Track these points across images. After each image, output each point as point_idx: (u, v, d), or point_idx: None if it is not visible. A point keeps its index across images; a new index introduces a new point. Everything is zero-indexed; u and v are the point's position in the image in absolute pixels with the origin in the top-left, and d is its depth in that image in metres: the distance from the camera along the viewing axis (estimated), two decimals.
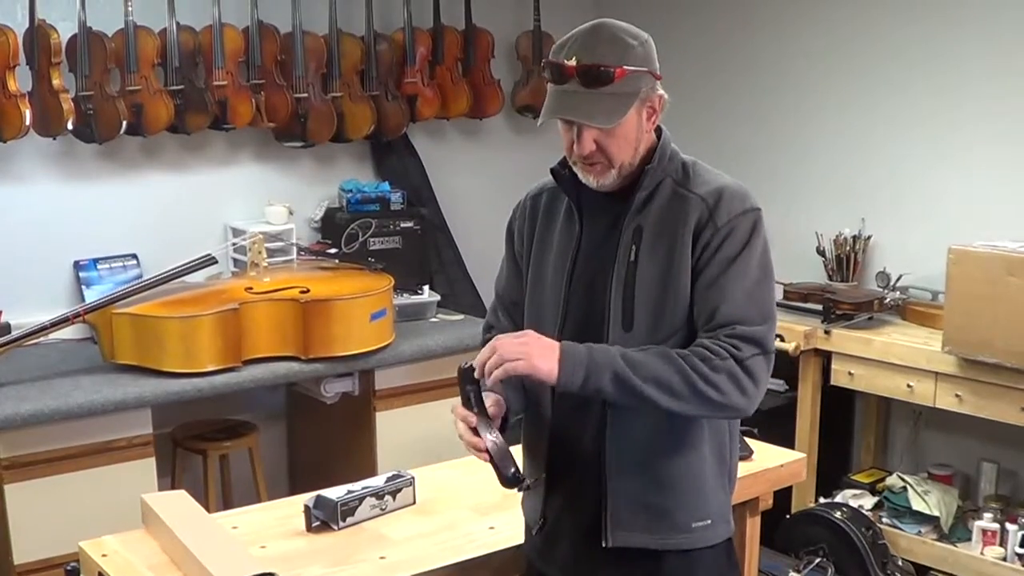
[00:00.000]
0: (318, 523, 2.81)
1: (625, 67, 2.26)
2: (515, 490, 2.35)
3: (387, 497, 2.89)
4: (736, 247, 2.30)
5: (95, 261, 4.65)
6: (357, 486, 2.88)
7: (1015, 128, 4.44)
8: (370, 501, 2.86)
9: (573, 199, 2.44)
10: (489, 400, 2.35)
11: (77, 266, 4.62)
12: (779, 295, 4.74)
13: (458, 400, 2.33)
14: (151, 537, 2.79)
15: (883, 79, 4.86)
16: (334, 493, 2.83)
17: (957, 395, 4.16)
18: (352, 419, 4.66)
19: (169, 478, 4.55)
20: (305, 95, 4.83)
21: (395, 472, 2.98)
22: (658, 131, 2.41)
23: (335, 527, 2.79)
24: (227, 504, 4.69)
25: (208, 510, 4.32)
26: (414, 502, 2.95)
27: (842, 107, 5.01)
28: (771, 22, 5.25)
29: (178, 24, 4.53)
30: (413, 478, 2.96)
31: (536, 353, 2.20)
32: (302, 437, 5.18)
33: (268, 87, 4.77)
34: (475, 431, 2.30)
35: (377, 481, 2.92)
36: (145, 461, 4.02)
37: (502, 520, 2.83)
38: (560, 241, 2.47)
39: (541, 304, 2.48)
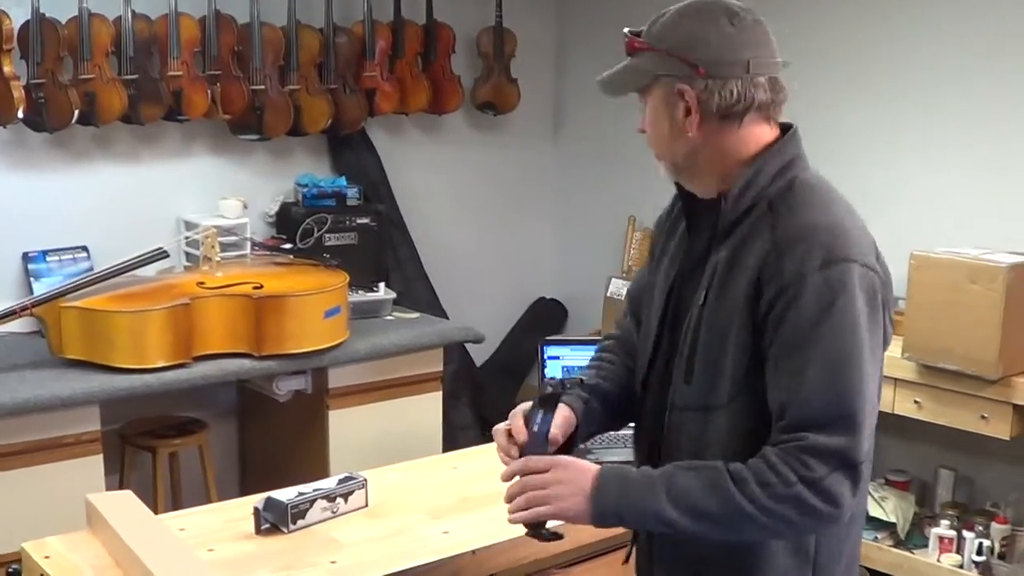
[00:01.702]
0: (268, 526, 2.73)
1: (639, 41, 2.01)
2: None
3: (339, 500, 2.82)
4: (809, 314, 1.83)
5: (44, 253, 4.56)
6: (308, 488, 2.81)
7: (979, 132, 4.44)
8: (321, 504, 2.79)
9: (684, 205, 2.14)
10: (558, 416, 2.10)
11: (26, 258, 4.53)
12: None
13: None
14: (95, 538, 2.71)
15: (843, 80, 4.84)
16: (284, 495, 2.76)
17: (916, 401, 4.14)
18: (305, 417, 4.59)
19: (117, 476, 4.47)
20: (262, 87, 4.76)
21: (347, 474, 2.91)
22: (783, 135, 2.05)
23: (285, 530, 2.72)
24: (176, 503, 4.63)
25: (156, 509, 4.32)
26: (366, 505, 2.87)
27: (800, 107, 4.97)
28: None
29: (133, 12, 4.45)
30: (365, 480, 2.89)
31: (564, 495, 1.93)
32: (254, 435, 5.10)
33: (224, 78, 4.69)
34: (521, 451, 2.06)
35: (329, 483, 2.85)
36: (93, 458, 3.95)
37: (456, 524, 2.77)
38: (671, 256, 2.16)
39: (647, 325, 2.19)
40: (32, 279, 4.50)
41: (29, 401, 3.74)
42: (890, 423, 4.57)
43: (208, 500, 4.39)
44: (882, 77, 4.71)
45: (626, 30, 2.05)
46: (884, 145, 4.72)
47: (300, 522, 2.74)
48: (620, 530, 2.23)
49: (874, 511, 4.40)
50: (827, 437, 1.82)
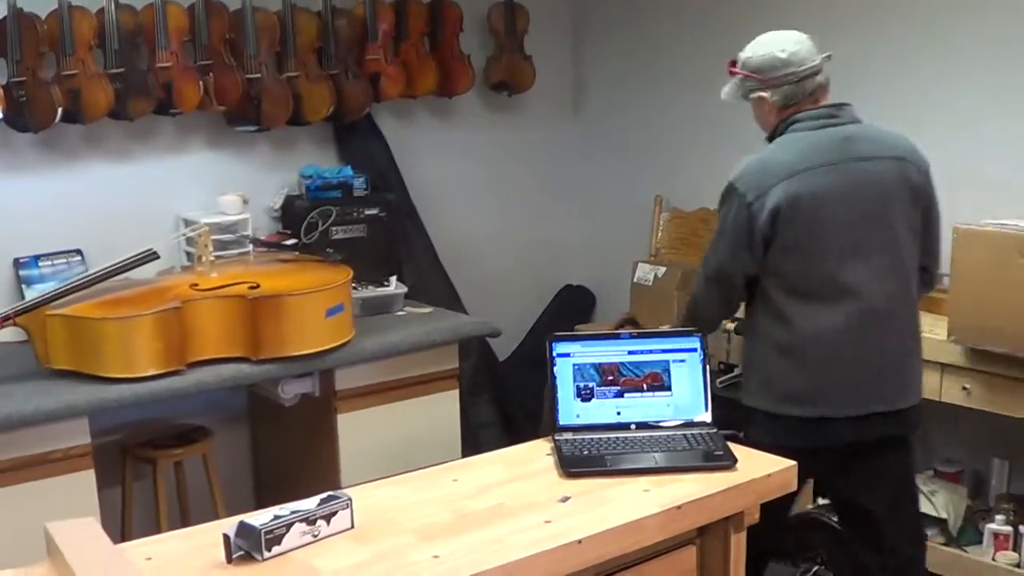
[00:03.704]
0: (241, 553, 2.48)
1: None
2: None
3: (319, 522, 2.56)
4: None
5: (36, 258, 4.35)
6: (285, 510, 2.55)
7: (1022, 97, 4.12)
8: (300, 527, 2.53)
9: None
10: None
11: (17, 264, 4.33)
12: None
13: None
14: (55, 572, 2.47)
15: (878, 46, 4.54)
16: (259, 519, 2.50)
17: (965, 388, 3.83)
18: (314, 422, 4.37)
19: (119, 489, 4.28)
20: (258, 75, 4.52)
21: (330, 493, 2.65)
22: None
23: (259, 558, 2.46)
24: (184, 516, 4.43)
25: (160, 523, 4.12)
26: (352, 526, 2.62)
27: (833, 78, 4.68)
28: None
29: (117, 3, 4.24)
30: (349, 499, 2.62)
31: None
32: (265, 441, 4.88)
33: (217, 68, 4.46)
34: None
35: (308, 504, 2.59)
36: (84, 473, 3.73)
37: (449, 547, 2.50)
38: None
39: None
40: (24, 286, 4.29)
41: (12, 416, 3.51)
42: (937, 411, 4.28)
43: (215, 512, 4.19)
44: (919, 44, 4.42)
45: None
46: (923, 116, 4.41)
47: (276, 548, 2.48)
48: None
49: (923, 506, 4.10)
50: None
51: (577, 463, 2.93)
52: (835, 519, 4.01)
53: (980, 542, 4.04)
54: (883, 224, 3.21)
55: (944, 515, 4.08)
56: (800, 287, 3.21)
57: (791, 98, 3.27)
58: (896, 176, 3.23)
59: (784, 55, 3.26)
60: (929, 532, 4.10)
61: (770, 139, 3.34)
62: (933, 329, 3.94)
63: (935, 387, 3.90)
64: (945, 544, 4.08)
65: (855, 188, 3.18)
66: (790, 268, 3.20)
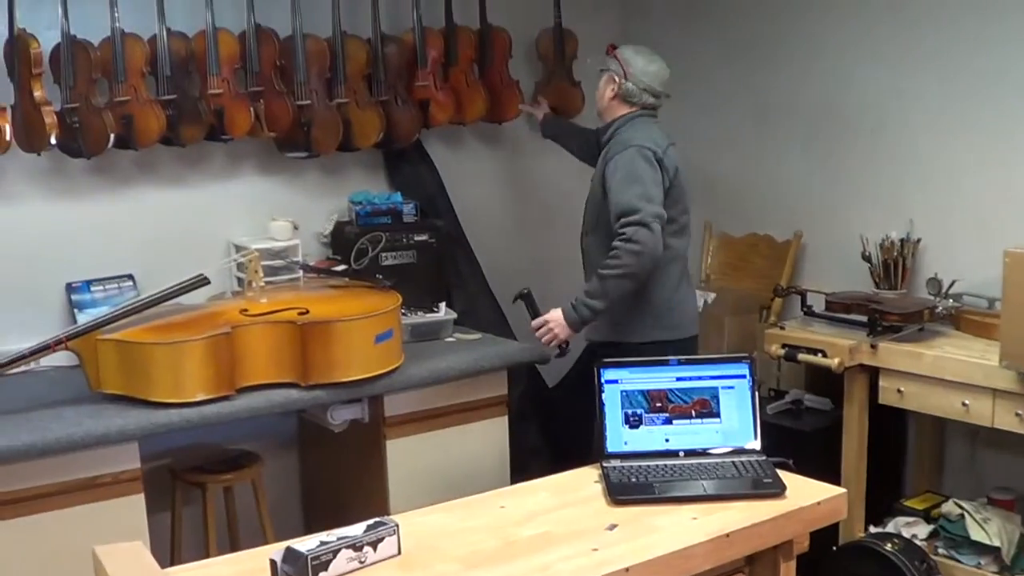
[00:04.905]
0: None
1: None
2: None
3: (366, 548, 2.57)
4: (616, 168, 3.96)
5: (88, 283, 4.38)
6: (332, 536, 2.56)
7: None
8: (347, 553, 2.53)
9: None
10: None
11: (69, 288, 4.35)
12: (820, 304, 4.45)
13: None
14: None
15: (931, 68, 4.50)
16: (305, 545, 2.51)
17: (1018, 414, 3.77)
18: (363, 448, 4.36)
19: (169, 513, 4.29)
20: (308, 102, 4.54)
21: (377, 520, 2.66)
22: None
23: None
24: (234, 541, 4.43)
25: (208, 547, 4.12)
26: (398, 553, 2.62)
27: (886, 99, 4.65)
28: (807, 11, 4.91)
29: (169, 30, 4.26)
30: (396, 526, 2.63)
31: (556, 327, 4.08)
32: (314, 467, 4.88)
33: (267, 94, 4.48)
34: None
35: (355, 530, 2.60)
36: (133, 498, 3.74)
37: (494, 575, 2.49)
38: None
39: None
40: (76, 310, 4.32)
41: (61, 440, 3.53)
42: (991, 436, 4.23)
43: (263, 537, 4.20)
44: (971, 66, 4.39)
45: None
46: (975, 137, 4.38)
47: (322, 575, 2.49)
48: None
49: (976, 534, 4.04)
50: (626, 217, 3.85)
51: (625, 490, 2.93)
52: (887, 547, 3.97)
53: None
54: None
55: (997, 543, 4.00)
56: (680, 232, 4.10)
57: (629, 95, 4.13)
58: None
59: (652, 68, 4.13)
60: (982, 560, 4.05)
61: (600, 129, 4.27)
62: (985, 355, 3.89)
63: (987, 413, 3.85)
64: (998, 572, 4.00)
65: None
66: (675, 215, 4.02)
